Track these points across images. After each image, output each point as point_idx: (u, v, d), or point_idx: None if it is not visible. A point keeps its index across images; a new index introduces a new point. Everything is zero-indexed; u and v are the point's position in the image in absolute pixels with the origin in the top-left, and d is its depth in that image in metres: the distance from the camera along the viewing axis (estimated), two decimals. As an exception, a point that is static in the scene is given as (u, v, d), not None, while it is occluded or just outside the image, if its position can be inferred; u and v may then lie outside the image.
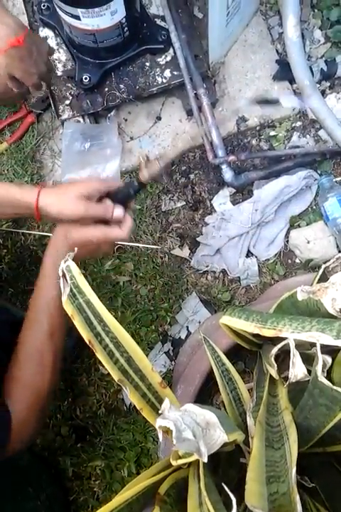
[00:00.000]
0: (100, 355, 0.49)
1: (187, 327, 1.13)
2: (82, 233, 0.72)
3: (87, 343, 0.49)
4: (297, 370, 0.44)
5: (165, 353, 1.12)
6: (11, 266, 1.18)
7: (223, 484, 0.32)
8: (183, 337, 1.12)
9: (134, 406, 1.03)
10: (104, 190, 0.74)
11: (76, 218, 0.71)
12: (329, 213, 1.10)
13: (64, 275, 0.50)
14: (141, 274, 1.16)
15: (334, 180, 1.15)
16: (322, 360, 0.40)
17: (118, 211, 0.74)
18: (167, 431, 0.41)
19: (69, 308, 0.49)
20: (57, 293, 0.67)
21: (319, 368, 0.40)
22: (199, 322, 1.12)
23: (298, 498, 0.36)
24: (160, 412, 0.39)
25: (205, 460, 0.33)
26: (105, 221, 0.74)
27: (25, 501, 0.96)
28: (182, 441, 0.33)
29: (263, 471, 0.42)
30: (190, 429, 0.34)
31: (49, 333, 0.69)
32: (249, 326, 0.52)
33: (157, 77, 1.16)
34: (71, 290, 0.49)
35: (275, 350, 0.50)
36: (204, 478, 0.40)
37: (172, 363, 1.11)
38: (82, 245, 0.71)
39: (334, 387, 0.39)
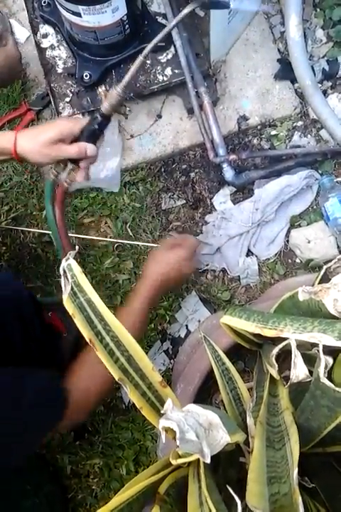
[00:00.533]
0: (101, 354, 0.49)
1: (187, 326, 1.13)
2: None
3: (88, 341, 0.49)
4: (298, 370, 0.44)
5: (164, 351, 1.12)
6: (10, 263, 1.18)
7: (228, 487, 0.32)
8: (182, 336, 1.12)
9: (133, 404, 1.03)
10: (77, 130, 0.74)
11: (49, 162, 0.74)
12: (329, 213, 1.10)
13: (65, 273, 0.50)
14: (140, 273, 1.16)
15: (335, 180, 1.15)
16: (324, 361, 0.40)
17: (91, 148, 0.74)
18: (167, 430, 0.40)
19: (70, 307, 0.49)
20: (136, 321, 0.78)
21: (321, 369, 0.39)
22: (199, 321, 1.12)
23: (300, 499, 0.36)
24: (162, 412, 0.39)
25: (208, 461, 0.33)
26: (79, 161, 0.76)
27: (24, 499, 0.96)
28: (185, 443, 0.33)
29: (264, 471, 0.42)
30: (192, 430, 0.34)
31: None
32: (250, 326, 0.52)
33: (158, 75, 1.16)
34: (72, 288, 0.49)
35: (276, 350, 0.49)
36: (205, 479, 0.40)
37: (172, 361, 1.11)
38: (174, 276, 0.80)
39: (337, 389, 0.39)
